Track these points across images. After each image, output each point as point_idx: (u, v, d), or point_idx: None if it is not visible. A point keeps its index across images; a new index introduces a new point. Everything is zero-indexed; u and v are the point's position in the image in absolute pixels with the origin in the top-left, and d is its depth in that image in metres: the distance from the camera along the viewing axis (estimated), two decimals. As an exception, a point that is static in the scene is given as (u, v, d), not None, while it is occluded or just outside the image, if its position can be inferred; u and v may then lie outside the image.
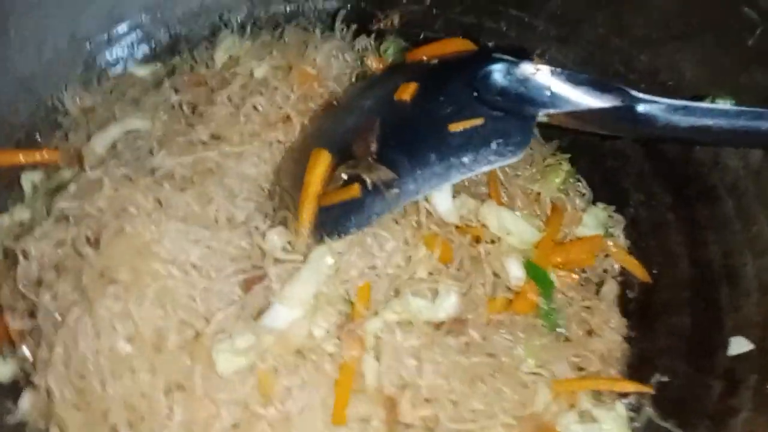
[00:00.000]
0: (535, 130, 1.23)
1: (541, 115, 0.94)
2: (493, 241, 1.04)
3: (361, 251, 0.94)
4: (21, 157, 1.14)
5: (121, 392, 0.87)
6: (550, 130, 1.23)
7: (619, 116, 0.94)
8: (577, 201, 1.19)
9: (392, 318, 0.90)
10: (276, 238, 0.95)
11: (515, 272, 1.01)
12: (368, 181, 0.93)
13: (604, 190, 1.21)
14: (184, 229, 0.96)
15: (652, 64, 1.10)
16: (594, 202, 1.20)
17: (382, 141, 0.95)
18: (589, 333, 1.06)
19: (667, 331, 1.09)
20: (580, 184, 1.22)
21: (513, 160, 0.93)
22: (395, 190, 0.92)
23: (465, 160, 0.91)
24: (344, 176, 0.97)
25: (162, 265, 0.92)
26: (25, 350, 0.99)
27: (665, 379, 1.03)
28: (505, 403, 0.92)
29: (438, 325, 0.94)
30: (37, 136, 1.17)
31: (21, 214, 1.09)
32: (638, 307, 1.13)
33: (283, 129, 1.12)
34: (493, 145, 0.91)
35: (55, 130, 1.19)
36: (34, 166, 1.15)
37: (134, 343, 0.89)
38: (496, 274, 1.02)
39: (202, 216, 0.99)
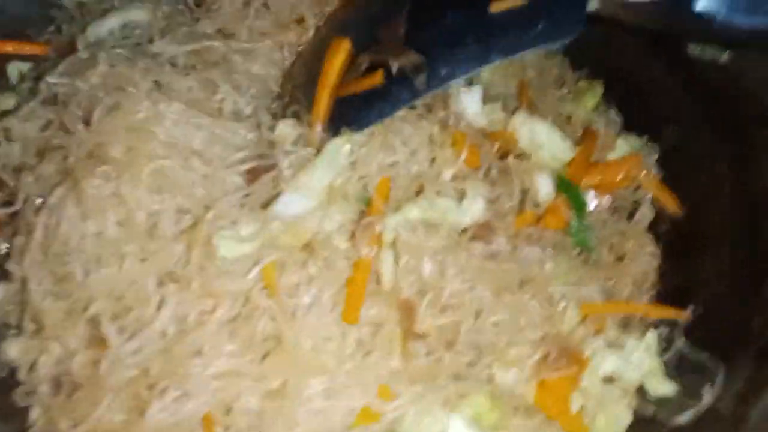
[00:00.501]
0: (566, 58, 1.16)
1: (594, 2, 0.85)
2: (521, 155, 0.96)
3: (381, 144, 0.85)
4: (9, 48, 1.05)
5: (106, 280, 0.78)
6: (581, 58, 1.15)
7: (675, 8, 0.85)
8: (610, 126, 1.11)
9: (414, 215, 0.81)
10: (288, 129, 0.86)
11: (545, 188, 0.92)
12: (394, 66, 0.84)
13: (638, 119, 1.13)
14: (186, 112, 0.86)
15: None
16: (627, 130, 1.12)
17: (411, 24, 0.86)
18: (621, 258, 0.97)
19: (705, 263, 1.00)
20: (612, 110, 1.14)
21: (563, 41, 0.84)
22: (424, 75, 0.83)
23: (508, 40, 0.82)
24: (365, 65, 0.87)
25: (160, 146, 0.82)
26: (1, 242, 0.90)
27: (701, 310, 0.95)
28: (532, 319, 0.84)
29: (463, 230, 0.85)
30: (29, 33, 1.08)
31: (6, 101, 0.99)
32: (673, 239, 1.04)
33: (296, 31, 1.03)
34: (540, 25, 0.82)
35: (47, 25, 1.10)
36: (22, 58, 1.06)
37: (125, 227, 0.80)
38: (524, 190, 0.93)
39: (205, 103, 0.90)
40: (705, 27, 0.87)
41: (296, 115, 0.89)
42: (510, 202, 0.91)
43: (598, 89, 1.14)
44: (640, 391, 0.90)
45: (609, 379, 0.89)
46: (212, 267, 0.77)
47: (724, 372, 0.88)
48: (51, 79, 0.90)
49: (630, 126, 1.13)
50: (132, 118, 0.83)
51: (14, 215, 0.87)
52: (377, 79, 0.85)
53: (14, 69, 1.04)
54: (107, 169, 0.80)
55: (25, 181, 0.86)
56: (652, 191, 1.06)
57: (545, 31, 0.82)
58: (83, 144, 0.83)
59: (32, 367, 0.79)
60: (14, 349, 0.81)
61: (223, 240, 0.76)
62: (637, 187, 1.07)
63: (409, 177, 0.85)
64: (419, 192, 0.85)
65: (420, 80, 0.83)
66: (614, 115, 1.14)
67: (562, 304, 0.87)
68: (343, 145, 0.83)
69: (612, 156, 1.07)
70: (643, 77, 1.13)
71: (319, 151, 0.84)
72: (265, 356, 0.76)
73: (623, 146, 1.09)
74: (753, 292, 0.93)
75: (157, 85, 0.90)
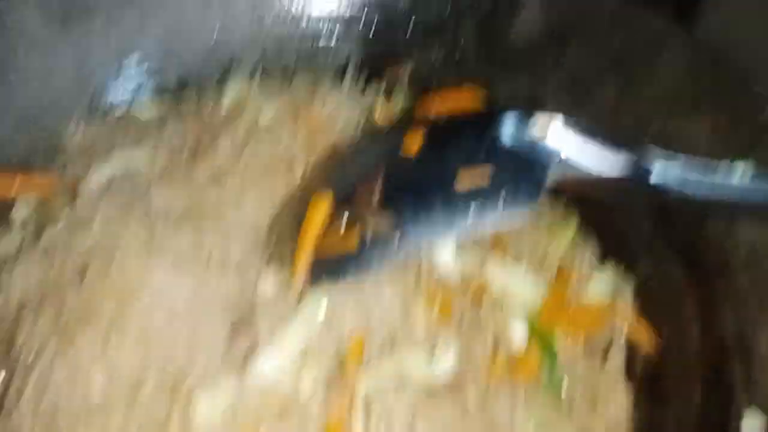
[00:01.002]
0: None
1: (551, 179, 0.91)
2: (495, 302, 1.00)
3: (355, 304, 0.89)
4: (17, 181, 1.11)
5: (93, 439, 0.82)
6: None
7: (632, 184, 0.90)
8: (585, 263, 1.15)
9: (386, 372, 0.84)
10: (268, 285, 0.91)
11: (519, 334, 0.96)
12: (368, 231, 0.90)
13: (613, 250, 1.17)
14: (174, 268, 0.92)
15: (664, 131, 1.08)
16: (602, 261, 1.16)
17: (385, 193, 0.92)
18: (593, 402, 0.99)
19: (676, 401, 1.02)
20: (588, 243, 1.18)
21: (518, 222, 0.90)
22: (395, 242, 0.88)
23: (470, 218, 0.88)
24: (343, 225, 0.93)
25: (146, 309, 0.88)
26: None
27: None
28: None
29: (432, 388, 0.88)
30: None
31: (8, 246, 1.05)
32: (646, 376, 1.06)
33: (285, 177, 1.10)
34: (500, 206, 0.88)
35: (52, 163, 1.17)
36: (26, 198, 1.12)
37: (110, 388, 0.84)
38: (496, 337, 0.97)
39: (195, 254, 0.96)
40: (664, 198, 0.92)
41: (278, 269, 0.94)
42: (482, 351, 0.94)
43: (573, 222, 1.19)
44: None
45: None
46: (191, 427, 0.81)
47: None
48: (50, 232, 0.96)
49: (609, 254, 1.18)
50: (120, 280, 0.88)
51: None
52: (351, 243, 0.90)
53: (19, 211, 1.09)
54: (94, 332, 0.85)
55: (20, 338, 0.91)
56: (626, 328, 1.10)
57: (505, 212, 0.88)
58: (75, 304, 0.88)
59: None
60: None
61: (202, 401, 0.80)
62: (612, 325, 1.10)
63: (382, 333, 0.89)
64: (392, 346, 0.88)
65: (391, 246, 0.88)
66: (591, 246, 1.18)
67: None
68: (318, 304, 0.87)
69: (589, 289, 1.11)
70: (619, 210, 1.18)
71: (296, 308, 0.89)
72: None
73: (599, 279, 1.13)
74: None
75: (150, 237, 0.96)
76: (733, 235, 1.01)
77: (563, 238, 1.17)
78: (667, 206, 0.96)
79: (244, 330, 0.88)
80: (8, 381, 0.91)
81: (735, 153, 0.98)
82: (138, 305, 0.88)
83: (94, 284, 0.89)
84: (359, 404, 0.83)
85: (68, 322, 0.88)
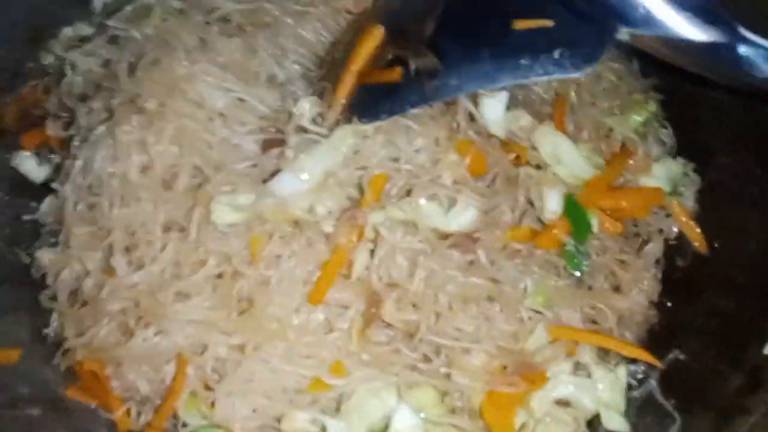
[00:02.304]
0: (635, 63, 1.10)
1: (624, 33, 0.81)
2: (538, 167, 0.95)
3: (386, 140, 0.88)
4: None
5: (124, 216, 0.89)
6: (649, 66, 1.10)
7: (717, 55, 0.80)
8: (654, 148, 1.07)
9: (398, 215, 0.85)
10: (307, 106, 0.91)
11: (552, 205, 0.92)
12: (412, 66, 0.86)
13: (689, 143, 1.08)
14: (220, 75, 0.93)
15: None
16: (676, 155, 1.07)
17: (438, 27, 0.86)
18: (616, 289, 0.97)
19: (706, 310, 0.98)
20: (665, 131, 1.09)
21: (574, 75, 0.82)
22: (436, 82, 0.84)
23: (521, 63, 0.81)
24: (390, 56, 0.89)
25: (188, 105, 0.90)
26: (58, 158, 1.03)
27: (683, 357, 0.94)
28: (495, 332, 0.87)
29: (445, 236, 0.88)
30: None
31: (83, 29, 1.10)
32: (683, 278, 1.01)
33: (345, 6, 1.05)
34: (556, 54, 0.80)
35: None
36: None
37: (146, 174, 0.90)
38: (530, 202, 0.94)
39: (242, 67, 0.96)
40: (748, 76, 0.81)
41: (321, 94, 0.94)
42: (507, 214, 0.92)
43: (651, 106, 1.09)
44: (593, 420, 0.92)
45: (564, 403, 0.91)
46: (211, 226, 0.86)
47: (680, 424, 0.88)
48: (112, 23, 0.99)
49: (683, 148, 1.09)
50: (168, 75, 0.91)
51: (71, 138, 0.99)
52: (396, 75, 0.87)
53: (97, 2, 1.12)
54: (139, 118, 0.90)
55: (80, 112, 0.98)
56: (679, 224, 1.03)
57: (560, 60, 0.80)
58: (124, 92, 0.92)
59: (57, 277, 0.93)
60: (46, 257, 0.94)
61: (218, 206, 0.84)
62: (668, 215, 1.04)
63: (406, 175, 0.88)
64: (409, 192, 0.88)
65: (430, 86, 0.84)
66: (665, 135, 1.09)
67: (532, 321, 0.89)
68: (349, 134, 0.87)
69: (647, 181, 1.04)
70: (706, 99, 1.06)
71: (329, 132, 0.89)
72: (239, 314, 0.85)
73: (660, 171, 1.05)
74: (740, 351, 0.91)
75: (203, 42, 0.97)
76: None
77: (638, 116, 1.08)
78: (755, 95, 0.85)
79: (274, 148, 0.90)
80: (61, 161, 0.99)
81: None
82: (179, 104, 0.90)
83: (144, 75, 0.92)
84: (369, 235, 0.84)
85: (117, 109, 0.92)
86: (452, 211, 0.87)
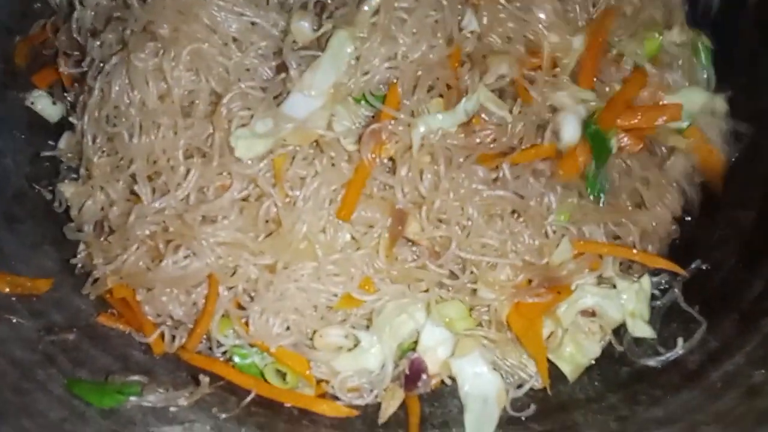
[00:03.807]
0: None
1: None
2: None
3: (383, 37, 0.85)
4: None
5: (145, 145, 0.88)
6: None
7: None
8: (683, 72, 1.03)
9: (421, 129, 0.84)
10: (305, 27, 0.88)
11: (570, 133, 0.90)
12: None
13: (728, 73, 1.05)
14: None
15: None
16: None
17: None
18: (639, 206, 0.97)
19: (727, 222, 0.99)
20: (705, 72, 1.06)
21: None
22: None
23: None
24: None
25: (202, 29, 0.89)
26: (72, 95, 1.03)
27: (704, 267, 0.95)
28: (520, 246, 0.88)
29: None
30: None
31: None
32: (703, 193, 1.02)
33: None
34: None
35: None
36: None
37: (164, 101, 0.89)
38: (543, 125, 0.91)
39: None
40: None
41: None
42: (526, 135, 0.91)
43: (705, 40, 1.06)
44: (618, 328, 0.93)
45: (590, 313, 0.92)
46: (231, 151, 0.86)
47: (705, 328, 0.89)
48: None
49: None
50: (181, 0, 0.89)
51: (84, 74, 0.99)
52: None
53: None
54: (154, 45, 0.89)
55: (92, 46, 0.97)
56: (695, 146, 1.02)
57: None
58: (138, 19, 0.90)
59: (81, 209, 0.93)
60: (69, 191, 0.95)
61: (240, 140, 0.83)
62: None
63: (413, 68, 0.86)
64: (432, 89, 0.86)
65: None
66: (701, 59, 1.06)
67: (555, 237, 0.90)
68: (345, 41, 0.84)
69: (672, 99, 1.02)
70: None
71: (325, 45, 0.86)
72: (266, 236, 0.86)
73: (694, 92, 1.03)
74: (761, 257, 0.92)
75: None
76: None
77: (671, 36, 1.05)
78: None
79: (283, 70, 0.88)
80: (75, 99, 0.99)
81: None
82: (193, 28, 0.89)
83: (155, 3, 0.90)
84: (392, 150, 0.84)
85: (131, 38, 0.91)
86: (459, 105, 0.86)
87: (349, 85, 0.84)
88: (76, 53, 1.03)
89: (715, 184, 1.00)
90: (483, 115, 0.88)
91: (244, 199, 0.87)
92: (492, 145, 0.88)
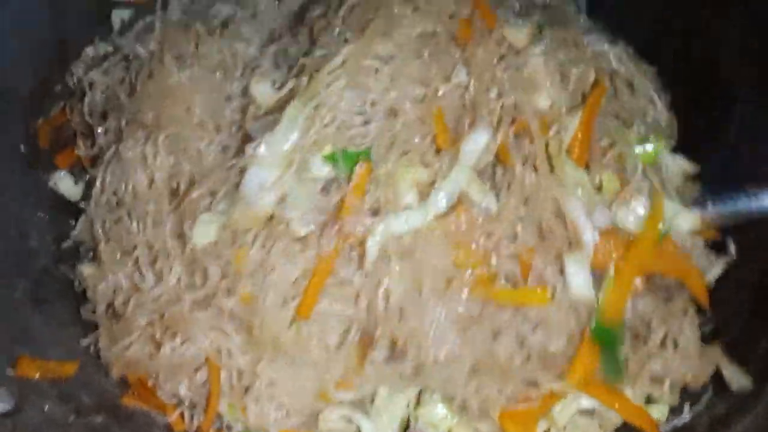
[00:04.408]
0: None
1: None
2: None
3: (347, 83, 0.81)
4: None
5: (143, 231, 0.92)
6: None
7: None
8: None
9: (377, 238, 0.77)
10: (266, 91, 0.87)
11: (579, 283, 0.80)
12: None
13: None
14: (206, 76, 0.92)
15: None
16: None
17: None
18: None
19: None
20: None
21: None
22: None
23: None
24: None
25: (181, 112, 0.90)
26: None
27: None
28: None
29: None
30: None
31: (104, 48, 1.11)
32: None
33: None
34: None
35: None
36: (126, 4, 1.13)
37: (151, 187, 0.92)
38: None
39: (229, 62, 0.94)
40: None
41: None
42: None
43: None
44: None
45: (589, 413, 0.84)
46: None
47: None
48: (122, 41, 1.01)
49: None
50: (161, 85, 0.91)
51: (96, 157, 1.04)
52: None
53: (117, 17, 1.12)
54: (142, 134, 0.91)
55: (98, 133, 1.01)
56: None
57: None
58: (127, 109, 0.94)
59: (96, 290, 0.98)
60: (87, 272, 1.00)
61: (198, 227, 0.83)
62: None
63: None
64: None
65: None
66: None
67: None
68: (303, 103, 0.81)
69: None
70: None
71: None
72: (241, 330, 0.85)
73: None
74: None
75: (197, 48, 0.96)
76: None
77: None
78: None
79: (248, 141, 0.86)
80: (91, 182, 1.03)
81: None
82: (172, 112, 0.91)
83: (141, 90, 0.93)
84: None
85: (125, 127, 0.95)
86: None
87: (305, 145, 0.80)
88: (92, 134, 1.09)
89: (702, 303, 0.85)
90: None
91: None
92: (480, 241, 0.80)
